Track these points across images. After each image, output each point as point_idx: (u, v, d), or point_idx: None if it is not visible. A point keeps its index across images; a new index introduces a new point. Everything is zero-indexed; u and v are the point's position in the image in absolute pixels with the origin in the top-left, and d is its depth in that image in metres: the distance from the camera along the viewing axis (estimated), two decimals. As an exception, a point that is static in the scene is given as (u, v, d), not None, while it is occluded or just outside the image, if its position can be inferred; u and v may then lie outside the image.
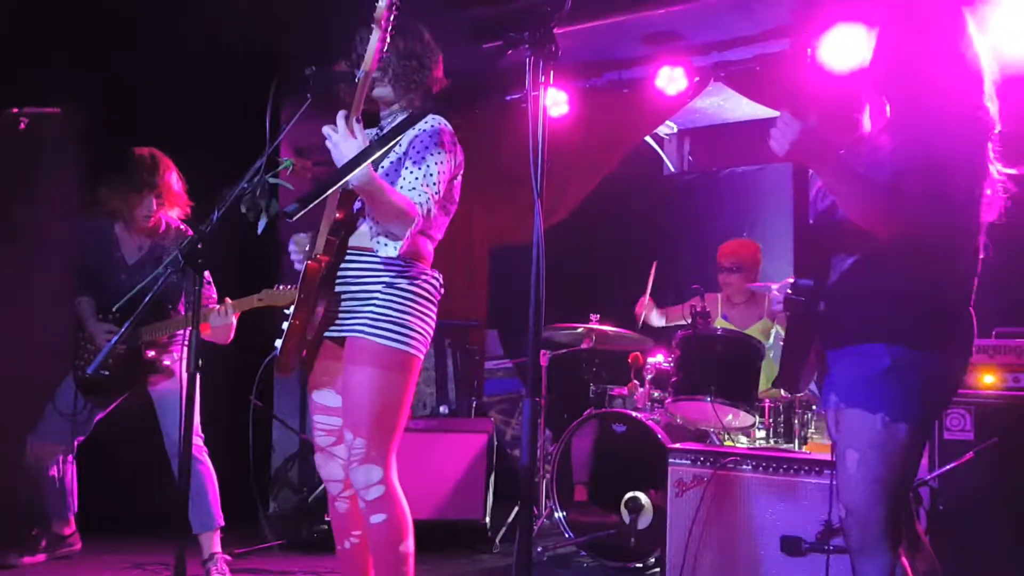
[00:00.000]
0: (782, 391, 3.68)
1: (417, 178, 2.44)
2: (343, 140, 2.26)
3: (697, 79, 5.07)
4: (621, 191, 5.92)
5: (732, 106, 5.82)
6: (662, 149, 6.66)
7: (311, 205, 1.69)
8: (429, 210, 2.44)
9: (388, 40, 2.34)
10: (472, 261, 5.90)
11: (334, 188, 1.76)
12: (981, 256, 2.09)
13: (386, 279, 2.47)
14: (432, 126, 2.52)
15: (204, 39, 4.32)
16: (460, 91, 2.70)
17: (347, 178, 1.83)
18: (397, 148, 2.53)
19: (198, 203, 3.68)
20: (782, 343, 2.34)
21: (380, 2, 2.31)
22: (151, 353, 3.59)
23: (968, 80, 2.08)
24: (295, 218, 1.71)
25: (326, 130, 2.29)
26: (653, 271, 4.75)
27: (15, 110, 2.86)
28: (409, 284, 2.49)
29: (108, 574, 3.70)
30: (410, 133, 2.51)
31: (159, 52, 4.27)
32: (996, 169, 2.08)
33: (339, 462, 2.57)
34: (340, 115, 2.28)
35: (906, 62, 2.10)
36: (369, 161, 2.10)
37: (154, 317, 3.54)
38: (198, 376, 3.59)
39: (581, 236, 5.84)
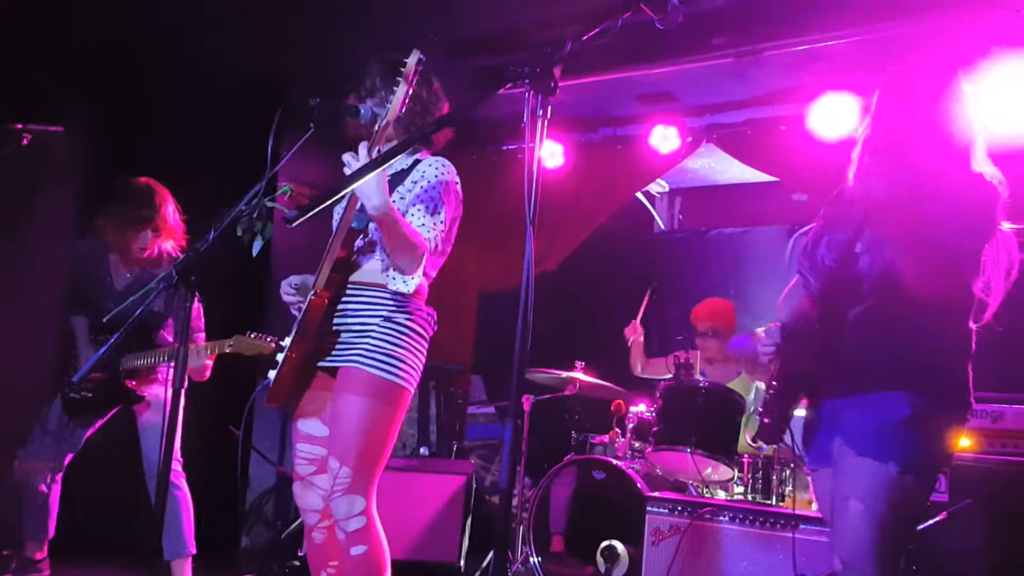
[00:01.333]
0: (760, 443, 3.67)
1: (426, 215, 2.52)
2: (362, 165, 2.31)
3: (690, 139, 5.20)
4: (611, 246, 6.01)
5: (723, 168, 5.94)
6: (653, 207, 6.77)
7: (312, 213, 1.74)
8: (436, 246, 2.53)
9: (411, 94, 2.44)
10: (461, 305, 5.94)
11: (337, 197, 1.81)
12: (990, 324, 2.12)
13: (384, 313, 2.53)
14: (439, 168, 2.59)
15: (207, 66, 4.41)
16: (457, 135, 2.77)
17: (353, 187, 1.87)
18: (400, 188, 2.59)
19: (196, 229, 3.71)
20: (767, 395, 2.31)
21: (410, 58, 2.42)
22: (132, 383, 3.59)
23: (960, 149, 2.14)
24: (295, 224, 1.75)
25: (346, 157, 2.37)
26: (648, 297, 4.79)
27: (19, 126, 2.91)
28: (406, 319, 2.55)
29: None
30: (414, 175, 2.59)
31: (162, 77, 4.34)
32: (1006, 230, 2.12)
33: (318, 492, 2.58)
34: (363, 145, 2.36)
35: (903, 133, 2.16)
36: (375, 173, 2.16)
37: (137, 344, 3.55)
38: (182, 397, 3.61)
39: (569, 287, 5.90)
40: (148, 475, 3.53)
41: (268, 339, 3.33)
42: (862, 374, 2.09)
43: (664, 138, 5.16)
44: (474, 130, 5.51)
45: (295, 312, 2.65)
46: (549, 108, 1.61)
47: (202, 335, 3.65)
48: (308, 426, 2.63)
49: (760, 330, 2.30)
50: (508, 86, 1.67)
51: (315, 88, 2.66)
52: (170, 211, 3.67)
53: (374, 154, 2.34)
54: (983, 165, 2.16)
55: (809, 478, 2.40)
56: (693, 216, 6.77)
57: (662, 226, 6.81)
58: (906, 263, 2.02)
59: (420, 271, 2.49)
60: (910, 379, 2.04)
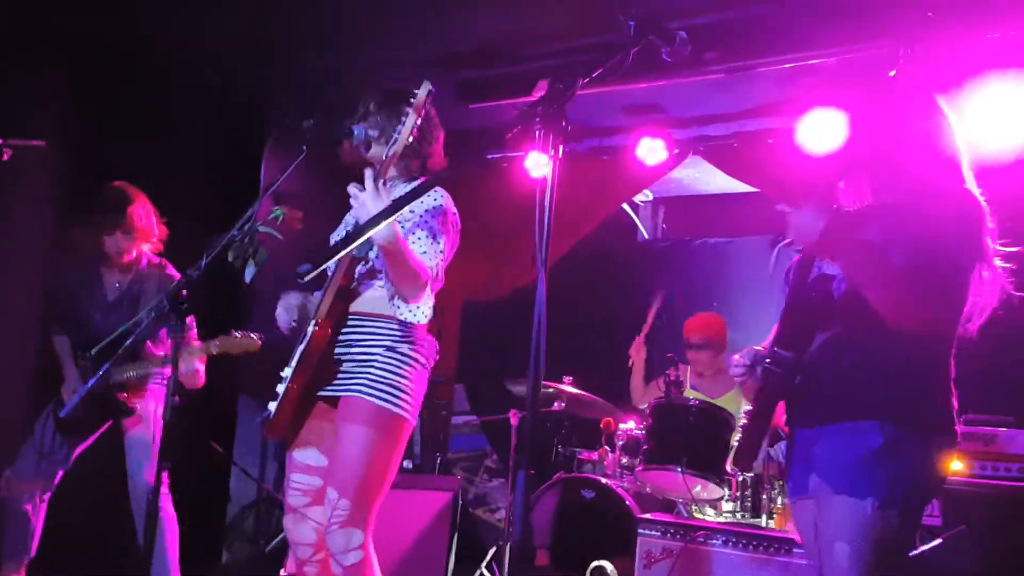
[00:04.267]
0: (735, 469, 3.62)
1: (428, 244, 2.50)
2: (370, 198, 2.27)
3: (676, 151, 5.18)
4: (595, 255, 5.98)
5: (707, 178, 5.93)
6: (637, 216, 6.76)
7: (326, 266, 1.68)
8: (438, 275, 2.51)
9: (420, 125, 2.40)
10: (444, 315, 5.88)
11: (353, 246, 1.76)
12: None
13: (387, 343, 2.50)
14: (438, 200, 2.58)
15: (192, 82, 4.33)
16: (454, 163, 2.74)
17: (367, 235, 1.82)
18: (403, 217, 2.55)
19: (180, 247, 3.65)
20: (743, 419, 2.26)
21: (421, 90, 2.38)
22: (123, 396, 3.52)
23: (949, 165, 2.12)
24: (307, 279, 1.70)
25: (352, 189, 2.32)
26: (654, 310, 4.73)
27: (0, 140, 2.84)
28: (409, 349, 2.52)
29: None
30: (414, 204, 2.54)
31: (147, 94, 4.27)
32: (995, 248, 2.07)
33: (312, 524, 2.53)
34: (368, 174, 2.30)
35: (886, 150, 2.14)
36: (394, 219, 2.14)
37: (126, 356, 3.47)
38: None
39: (554, 296, 5.83)
40: (132, 494, 3.46)
41: (254, 336, 3.28)
42: (833, 403, 2.04)
43: (651, 150, 5.14)
44: (463, 141, 5.45)
45: (284, 329, 2.59)
46: (561, 148, 1.57)
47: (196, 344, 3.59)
48: (305, 456, 2.57)
49: (736, 356, 2.24)
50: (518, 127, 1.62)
51: (299, 106, 2.62)
52: (141, 213, 3.60)
53: (380, 185, 2.27)
54: (972, 185, 2.13)
55: (792, 508, 2.36)
56: (677, 225, 6.76)
57: (646, 235, 6.79)
58: (881, 292, 1.97)
59: (425, 299, 2.46)
60: (882, 408, 1.97)
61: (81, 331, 3.50)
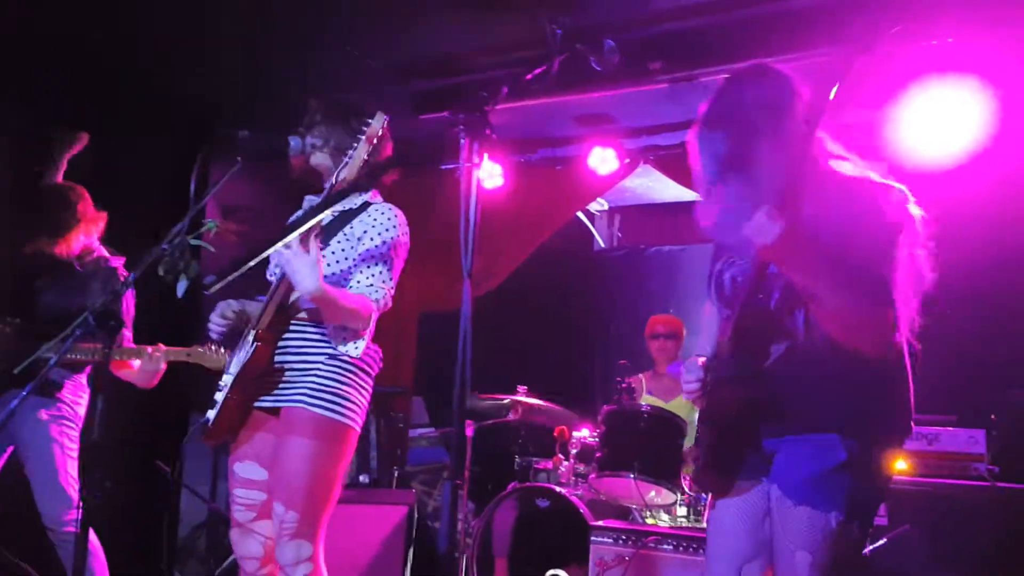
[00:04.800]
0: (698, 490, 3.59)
1: (374, 275, 2.46)
2: (297, 257, 2.22)
3: (627, 160, 5.23)
4: (551, 264, 5.99)
5: (660, 187, 5.98)
6: (592, 225, 6.79)
7: (229, 279, 1.66)
8: (385, 304, 2.48)
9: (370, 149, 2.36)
10: (400, 327, 5.84)
11: (250, 264, 1.74)
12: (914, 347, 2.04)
13: (329, 351, 2.46)
14: (386, 216, 2.52)
15: (143, 88, 4.27)
16: (396, 166, 2.70)
17: (265, 254, 1.79)
18: (348, 230, 2.52)
19: (126, 256, 3.57)
20: (696, 437, 2.21)
21: (375, 120, 2.34)
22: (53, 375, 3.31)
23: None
24: (212, 291, 1.67)
25: (280, 247, 2.23)
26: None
27: None
28: (351, 357, 2.48)
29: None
30: (364, 219, 2.52)
31: (96, 94, 4.19)
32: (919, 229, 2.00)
33: (258, 539, 2.49)
34: (295, 236, 2.21)
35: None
36: (316, 269, 2.12)
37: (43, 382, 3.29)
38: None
39: (511, 306, 5.86)
40: (48, 527, 3.31)
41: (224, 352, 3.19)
42: (793, 415, 2.01)
43: (602, 159, 5.17)
44: (411, 150, 5.44)
45: (215, 335, 2.55)
46: (486, 156, 1.56)
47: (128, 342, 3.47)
48: (245, 470, 2.53)
49: (683, 368, 2.19)
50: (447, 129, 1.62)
51: (250, 118, 2.58)
52: (79, 208, 3.49)
53: (311, 245, 2.22)
54: (859, 170, 2.03)
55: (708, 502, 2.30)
56: (632, 234, 6.81)
57: (602, 244, 6.83)
58: (820, 309, 1.92)
59: (366, 332, 2.42)
60: (843, 422, 1.96)
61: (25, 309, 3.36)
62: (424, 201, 5.66)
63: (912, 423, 2.06)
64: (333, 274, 2.48)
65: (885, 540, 3.09)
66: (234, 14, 3.88)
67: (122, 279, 3.41)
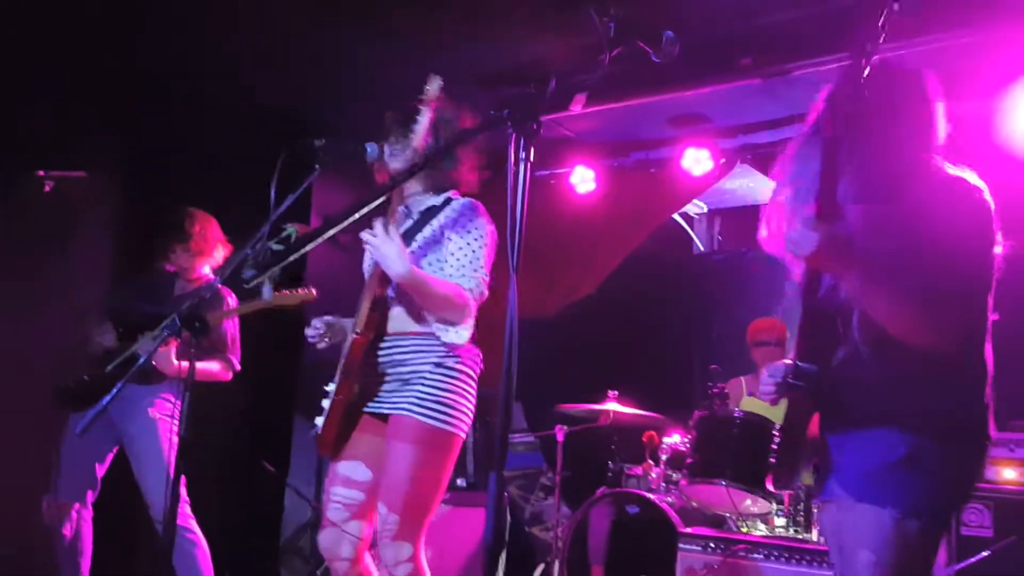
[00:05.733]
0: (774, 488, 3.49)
1: (463, 264, 2.50)
2: (381, 241, 2.34)
3: (723, 161, 5.11)
4: (650, 268, 5.92)
5: (761, 188, 5.81)
6: (692, 228, 6.67)
7: (270, 273, 1.72)
8: (481, 293, 2.50)
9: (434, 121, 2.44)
10: (497, 333, 5.88)
11: (291, 258, 1.79)
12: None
13: (434, 359, 2.51)
14: (466, 208, 2.57)
15: (236, 102, 4.46)
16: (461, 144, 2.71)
17: (306, 249, 1.84)
18: (431, 227, 2.57)
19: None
20: (778, 433, 2.17)
21: (431, 84, 2.43)
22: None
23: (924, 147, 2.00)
24: (252, 284, 1.74)
25: (365, 236, 2.38)
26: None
27: (41, 173, 2.96)
28: (456, 363, 2.53)
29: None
30: (447, 213, 2.58)
31: (190, 114, 4.41)
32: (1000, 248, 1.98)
33: (349, 539, 2.54)
34: (378, 222, 2.35)
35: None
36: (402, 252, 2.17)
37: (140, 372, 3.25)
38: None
39: (607, 311, 5.83)
40: (155, 523, 3.46)
41: (304, 290, 3.24)
42: (857, 411, 1.98)
43: (696, 160, 5.08)
44: (502, 158, 5.50)
45: (313, 342, 2.64)
46: (532, 151, 1.57)
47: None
48: (348, 469, 2.58)
49: (764, 371, 2.19)
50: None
51: (332, 129, 2.67)
52: (202, 232, 3.70)
53: (391, 231, 2.33)
54: (958, 170, 2.00)
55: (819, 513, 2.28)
56: (733, 237, 6.64)
57: (701, 248, 6.69)
58: (888, 313, 1.88)
59: (469, 320, 2.47)
60: (906, 418, 1.91)
61: (130, 320, 3.52)
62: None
63: (990, 424, 1.97)
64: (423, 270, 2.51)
65: (990, 551, 2.90)
66: (314, 26, 4.02)
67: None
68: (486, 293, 2.53)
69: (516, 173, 1.58)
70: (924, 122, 2.03)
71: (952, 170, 2.03)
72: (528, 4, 3.86)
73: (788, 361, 2.13)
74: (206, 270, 3.79)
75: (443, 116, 2.56)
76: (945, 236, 1.90)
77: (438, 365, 2.50)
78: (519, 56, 4.28)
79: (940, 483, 1.92)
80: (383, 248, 2.33)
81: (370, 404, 2.55)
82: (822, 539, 3.50)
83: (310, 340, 2.66)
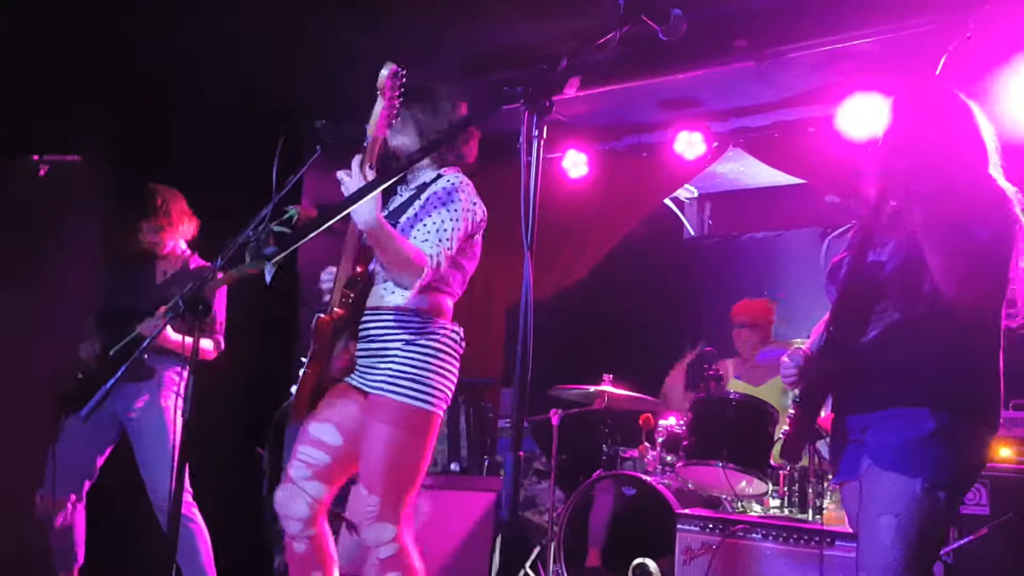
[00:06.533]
0: (783, 462, 3.57)
1: (430, 231, 2.47)
2: (353, 181, 2.32)
3: (715, 144, 5.11)
4: (641, 253, 5.94)
5: (752, 172, 5.83)
6: (682, 213, 6.68)
7: (290, 250, 1.71)
8: (439, 264, 2.45)
9: (395, 106, 2.41)
10: (489, 318, 5.89)
11: (311, 235, 1.78)
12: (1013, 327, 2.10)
13: (405, 337, 2.50)
14: (450, 182, 2.56)
15: (228, 88, 4.41)
16: (484, 148, 2.74)
17: (322, 227, 1.82)
18: (416, 204, 2.56)
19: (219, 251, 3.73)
20: (792, 410, 2.26)
21: (383, 71, 2.38)
22: (146, 358, 3.47)
23: (980, 153, 2.14)
24: (274, 261, 1.73)
25: (340, 174, 2.36)
26: (692, 355, 4.68)
27: (36, 157, 2.92)
28: (429, 340, 2.52)
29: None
30: (430, 188, 2.56)
31: (184, 99, 4.38)
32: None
33: (306, 499, 2.51)
34: (355, 160, 2.34)
35: (919, 145, 2.13)
36: (372, 199, 2.18)
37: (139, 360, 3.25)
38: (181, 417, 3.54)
39: (599, 295, 5.84)
40: (156, 505, 3.48)
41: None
42: (886, 390, 2.06)
43: (689, 144, 5.08)
44: (500, 142, 5.48)
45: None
46: (545, 128, 1.57)
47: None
48: (319, 430, 2.56)
49: (785, 356, 2.27)
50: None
51: (329, 111, 2.65)
52: (168, 207, 3.66)
53: (366, 170, 2.31)
54: (999, 177, 2.15)
55: (840, 492, 2.34)
56: (723, 221, 6.68)
57: (692, 232, 6.72)
58: (937, 261, 1.98)
59: (418, 286, 2.43)
60: (935, 396, 2.00)
61: (117, 314, 3.49)
62: (509, 193, 5.68)
63: (1000, 409, 2.09)
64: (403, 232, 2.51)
65: (987, 529, 2.94)
66: (309, 9, 3.98)
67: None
68: (444, 266, 2.47)
69: (528, 151, 1.57)
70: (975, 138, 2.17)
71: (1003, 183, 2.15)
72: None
73: (804, 347, 2.21)
74: (181, 245, 3.75)
75: (425, 99, 2.56)
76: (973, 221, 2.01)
77: (408, 343, 2.49)
78: (520, 37, 4.24)
79: (963, 459, 2.01)
80: (351, 185, 2.32)
81: (352, 376, 2.55)
82: (818, 518, 3.54)
83: (324, 288, 2.65)
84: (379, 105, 2.38)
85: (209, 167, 3.86)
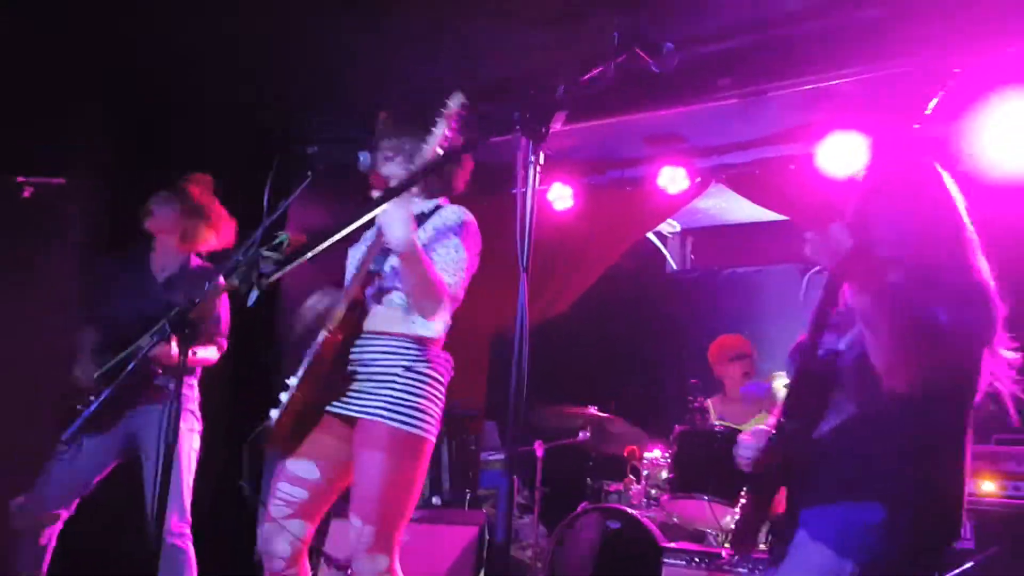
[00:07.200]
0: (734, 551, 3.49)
1: (448, 261, 2.50)
2: (393, 207, 2.31)
3: (698, 180, 5.17)
4: (624, 287, 5.97)
5: (734, 208, 5.90)
6: (665, 247, 6.74)
7: (286, 270, 1.71)
8: (456, 295, 2.50)
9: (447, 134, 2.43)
10: (472, 349, 5.87)
11: (306, 256, 1.78)
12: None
13: (405, 363, 2.49)
14: (460, 217, 2.59)
15: (216, 112, 4.41)
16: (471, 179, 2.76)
17: (319, 248, 1.81)
18: (421, 234, 2.56)
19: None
20: (744, 495, 2.17)
21: (452, 100, 2.43)
22: (159, 372, 3.39)
23: (960, 237, 2.06)
24: (270, 280, 1.72)
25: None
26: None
27: (20, 179, 2.90)
28: (427, 368, 2.52)
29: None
30: (435, 220, 2.59)
31: (184, 100, 4.36)
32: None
33: (288, 538, 2.47)
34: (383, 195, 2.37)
35: (887, 228, 2.05)
36: (407, 219, 2.21)
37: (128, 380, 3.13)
38: (197, 448, 3.48)
39: (582, 328, 5.85)
40: (166, 533, 3.35)
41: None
42: (836, 485, 1.95)
43: (672, 179, 5.14)
44: (486, 174, 5.50)
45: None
46: (541, 155, 1.58)
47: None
48: (297, 467, 2.52)
49: (743, 436, 2.17)
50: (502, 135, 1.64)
51: (323, 136, 2.65)
52: (200, 192, 3.62)
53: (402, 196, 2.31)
54: (980, 263, 2.05)
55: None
56: (705, 256, 6.73)
57: (674, 266, 6.77)
58: (871, 338, 1.88)
59: (441, 315, 2.47)
60: (888, 491, 1.90)
61: (117, 325, 3.42)
62: (497, 225, 5.71)
63: (963, 504, 1.96)
64: None
65: (972, 563, 2.94)
66: (304, 36, 4.00)
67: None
68: (459, 297, 2.52)
69: (525, 177, 1.58)
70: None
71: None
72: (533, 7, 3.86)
73: (768, 429, 2.11)
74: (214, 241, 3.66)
75: (454, 137, 2.54)
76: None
77: (408, 369, 2.48)
78: (517, 68, 4.28)
79: (904, 553, 1.89)
80: (392, 210, 2.31)
81: (335, 404, 2.50)
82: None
83: (318, 309, 2.62)
84: (440, 129, 2.41)
85: (209, 168, 3.83)
